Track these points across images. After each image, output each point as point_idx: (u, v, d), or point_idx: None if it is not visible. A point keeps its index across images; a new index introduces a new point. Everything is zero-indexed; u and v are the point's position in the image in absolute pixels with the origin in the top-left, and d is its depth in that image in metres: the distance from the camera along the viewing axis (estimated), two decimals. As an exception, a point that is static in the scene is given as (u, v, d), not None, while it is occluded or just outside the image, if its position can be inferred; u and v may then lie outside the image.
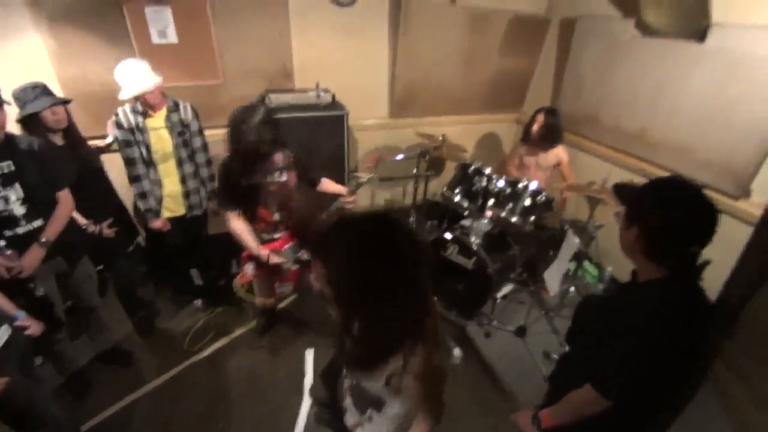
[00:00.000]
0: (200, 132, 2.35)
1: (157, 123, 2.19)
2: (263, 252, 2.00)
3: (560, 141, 2.84)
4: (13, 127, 1.80)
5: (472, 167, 2.69)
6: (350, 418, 1.21)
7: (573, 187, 2.69)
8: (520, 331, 2.61)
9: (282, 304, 2.81)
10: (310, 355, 2.48)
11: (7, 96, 1.75)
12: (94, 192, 2.21)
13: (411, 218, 3.59)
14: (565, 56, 3.31)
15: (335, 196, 2.18)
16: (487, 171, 2.65)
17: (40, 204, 1.75)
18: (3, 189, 1.63)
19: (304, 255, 2.09)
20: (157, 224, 2.35)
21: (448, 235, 2.59)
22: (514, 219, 2.49)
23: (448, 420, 1.06)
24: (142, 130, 2.15)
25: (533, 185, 2.50)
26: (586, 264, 3.14)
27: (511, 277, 2.92)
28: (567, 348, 1.88)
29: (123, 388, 2.22)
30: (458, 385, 2.32)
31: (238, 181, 1.90)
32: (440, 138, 3.01)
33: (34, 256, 1.72)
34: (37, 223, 1.75)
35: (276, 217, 2.07)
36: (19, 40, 2.23)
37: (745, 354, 2.08)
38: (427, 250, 0.98)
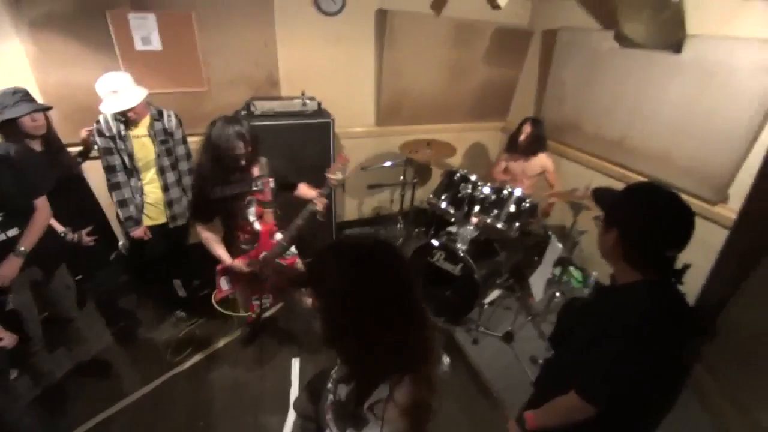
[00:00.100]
0: (184, 141, 2.33)
1: (140, 131, 2.16)
2: (236, 263, 2.00)
3: (544, 149, 2.90)
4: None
5: (458, 174, 2.73)
6: None
7: (558, 194, 2.73)
8: (508, 337, 2.62)
9: (266, 314, 2.77)
10: (296, 364, 2.44)
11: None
12: (74, 199, 2.17)
13: (399, 225, 3.60)
14: (548, 66, 3.39)
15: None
16: (473, 178, 2.69)
17: (15, 212, 1.70)
18: None
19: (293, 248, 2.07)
20: (137, 233, 2.31)
21: (435, 242, 2.60)
22: (499, 225, 2.52)
23: (435, 429, 1.04)
24: (124, 138, 2.12)
25: (518, 192, 2.54)
26: (572, 269, 3.18)
27: (498, 283, 2.94)
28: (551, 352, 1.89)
29: (103, 400, 2.15)
30: (446, 392, 2.29)
31: (211, 192, 1.88)
32: (427, 146, 3.03)
33: (10, 266, 1.67)
34: (12, 232, 1.70)
35: (256, 226, 2.05)
36: (-3, 45, 2.19)
37: (723, 357, 2.11)
38: (419, 279, 0.98)
